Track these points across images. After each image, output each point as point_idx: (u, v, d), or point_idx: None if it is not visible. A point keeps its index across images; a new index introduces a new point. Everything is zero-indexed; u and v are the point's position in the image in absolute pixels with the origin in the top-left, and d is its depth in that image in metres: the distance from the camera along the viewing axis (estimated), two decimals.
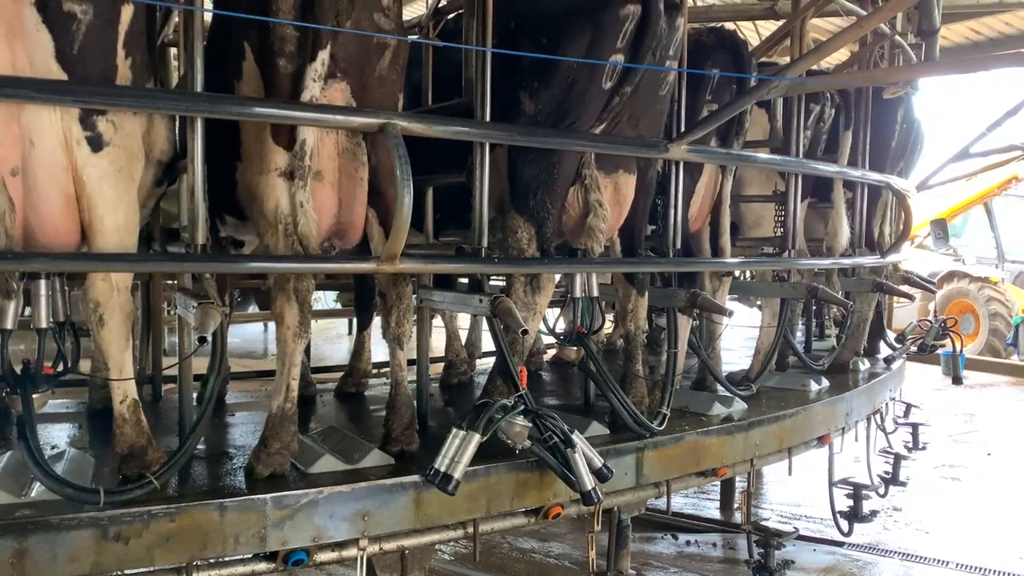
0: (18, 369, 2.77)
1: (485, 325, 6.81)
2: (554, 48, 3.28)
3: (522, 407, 2.88)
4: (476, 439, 2.78)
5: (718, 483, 6.94)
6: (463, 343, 5.86)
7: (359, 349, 5.02)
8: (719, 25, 4.81)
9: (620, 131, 3.61)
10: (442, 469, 2.85)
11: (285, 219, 2.83)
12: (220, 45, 3.02)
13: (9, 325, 2.72)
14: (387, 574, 3.08)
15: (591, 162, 3.45)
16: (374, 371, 5.15)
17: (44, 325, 2.75)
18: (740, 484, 7.39)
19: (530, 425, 2.91)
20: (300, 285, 2.85)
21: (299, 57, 2.78)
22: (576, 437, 2.93)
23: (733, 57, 4.11)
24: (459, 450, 2.83)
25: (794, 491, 7.16)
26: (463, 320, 6.33)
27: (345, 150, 2.98)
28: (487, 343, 7.07)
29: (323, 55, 2.71)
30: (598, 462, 3.02)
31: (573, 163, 3.44)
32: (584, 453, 2.96)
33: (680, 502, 7.03)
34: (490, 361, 6.87)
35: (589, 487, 2.90)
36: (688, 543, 6.22)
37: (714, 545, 6.26)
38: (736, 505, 7.04)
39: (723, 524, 6.70)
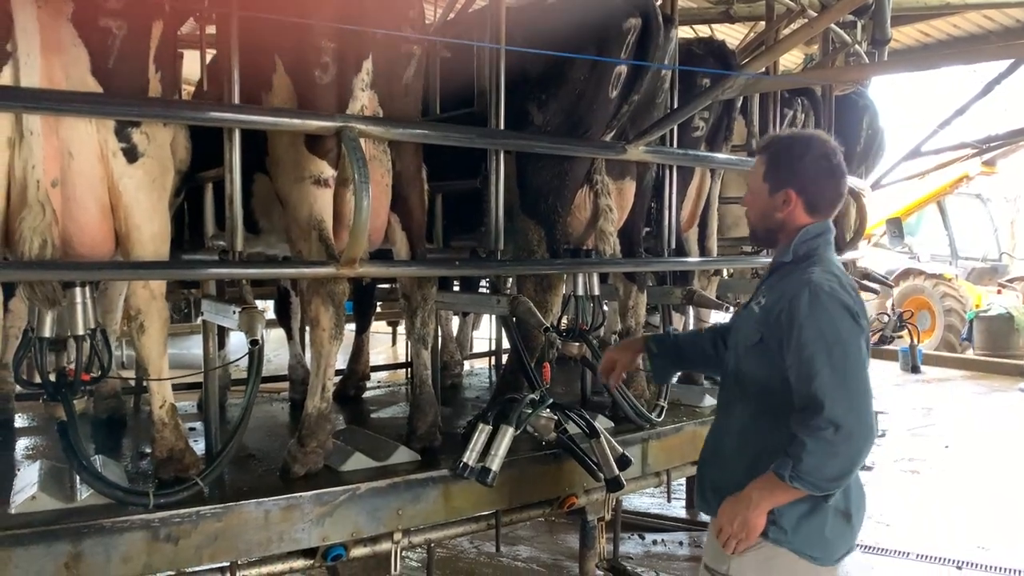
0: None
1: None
2: (562, 61, 3.44)
3: (550, 400, 3.03)
4: (510, 432, 2.91)
5: (683, 482, 7.10)
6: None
7: (357, 352, 5.10)
8: (709, 36, 5.02)
9: (619, 136, 3.78)
10: (471, 463, 2.96)
11: (319, 225, 2.93)
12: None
13: (48, 333, 2.78)
14: None
15: (602, 168, 3.63)
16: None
17: (81, 332, 2.80)
18: None
19: (555, 417, 3.05)
20: (336, 288, 2.95)
21: (334, 68, 2.86)
22: (599, 427, 3.09)
23: (722, 66, 4.31)
24: (489, 444, 2.95)
25: None
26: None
27: (372, 156, 3.06)
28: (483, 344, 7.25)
29: (367, 64, 2.81)
30: (618, 451, 3.18)
31: (583, 169, 3.61)
32: (606, 442, 3.12)
33: (647, 501, 7.18)
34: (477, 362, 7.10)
35: (615, 474, 3.06)
36: (655, 542, 6.29)
37: (680, 544, 6.33)
38: None
39: (690, 523, 6.84)
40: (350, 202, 3.02)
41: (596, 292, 3.94)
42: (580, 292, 3.89)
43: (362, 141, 3.05)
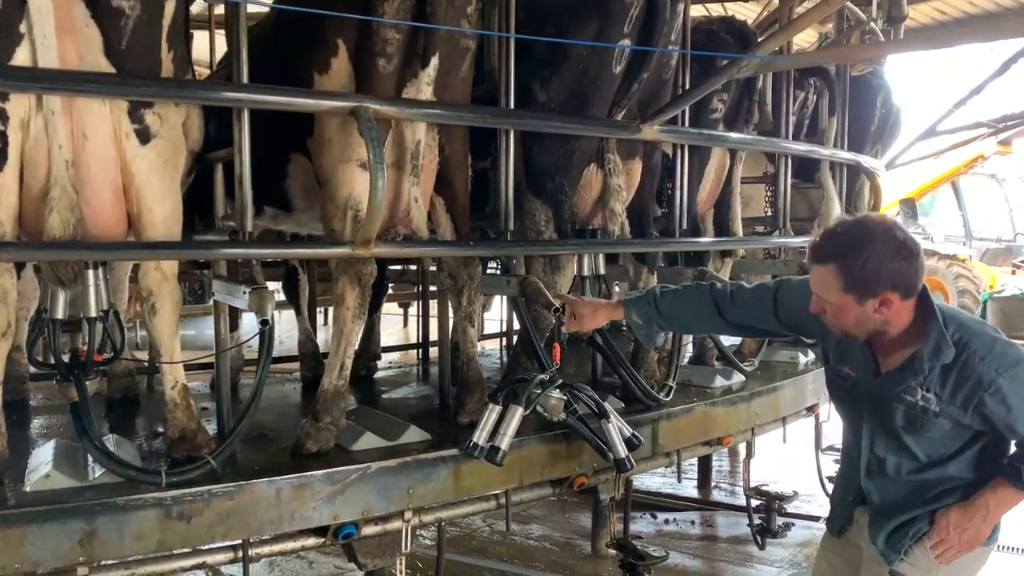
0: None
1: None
2: (563, 36, 3.40)
3: (559, 381, 3.03)
4: (519, 412, 2.92)
5: (694, 462, 7.09)
6: None
7: (368, 332, 5.10)
8: (730, 15, 4.97)
9: (628, 115, 3.74)
10: (481, 442, 2.98)
11: (356, 207, 2.94)
12: (293, 38, 3.09)
13: (60, 315, 2.80)
14: (368, 559, 3.12)
15: (613, 147, 3.60)
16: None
17: (93, 313, 2.82)
18: (716, 463, 7.56)
19: (565, 398, 3.06)
20: (364, 268, 2.97)
21: (398, 58, 2.89)
22: (608, 408, 3.09)
23: (744, 46, 4.25)
24: (499, 424, 2.96)
25: (766, 472, 7.24)
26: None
27: (427, 144, 3.10)
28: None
29: (435, 60, 2.85)
30: (627, 431, 3.19)
31: (591, 148, 3.59)
32: (615, 423, 3.12)
33: (658, 481, 7.19)
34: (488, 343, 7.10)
35: (623, 455, 3.07)
36: (667, 522, 6.29)
37: (692, 523, 6.34)
38: (713, 484, 7.22)
39: (702, 503, 6.85)
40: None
41: (602, 272, 3.93)
42: (586, 273, 3.88)
43: (420, 128, 3.08)
